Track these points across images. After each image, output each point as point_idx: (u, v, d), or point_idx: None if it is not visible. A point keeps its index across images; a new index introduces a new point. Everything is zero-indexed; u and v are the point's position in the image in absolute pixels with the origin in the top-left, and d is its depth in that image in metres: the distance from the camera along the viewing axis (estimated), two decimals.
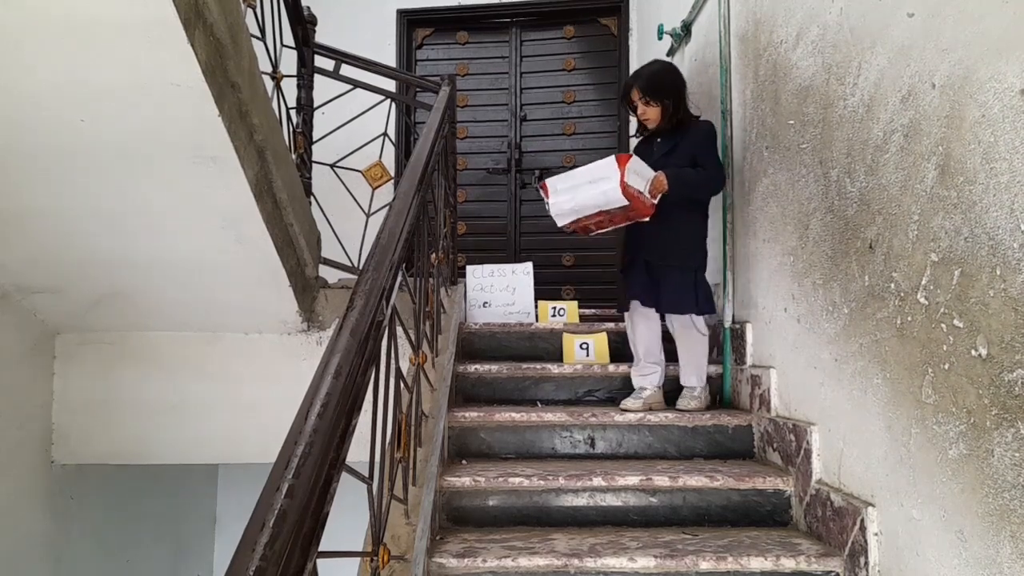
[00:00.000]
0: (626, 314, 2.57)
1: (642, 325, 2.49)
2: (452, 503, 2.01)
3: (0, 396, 2.61)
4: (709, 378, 2.50)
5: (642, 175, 2.27)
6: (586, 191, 2.28)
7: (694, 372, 2.45)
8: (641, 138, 2.62)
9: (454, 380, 2.51)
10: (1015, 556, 1.14)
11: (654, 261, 2.45)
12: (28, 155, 1.91)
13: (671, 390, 2.50)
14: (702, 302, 2.41)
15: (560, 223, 2.39)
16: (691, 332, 2.43)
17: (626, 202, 2.22)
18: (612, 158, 2.24)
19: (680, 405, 2.41)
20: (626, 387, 2.63)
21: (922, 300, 1.40)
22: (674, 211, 2.37)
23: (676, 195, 2.34)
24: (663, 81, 2.46)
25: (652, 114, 2.47)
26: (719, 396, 2.57)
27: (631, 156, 2.27)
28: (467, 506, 2.02)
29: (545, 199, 2.40)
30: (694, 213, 2.46)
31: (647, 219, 2.34)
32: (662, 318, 2.51)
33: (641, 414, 2.31)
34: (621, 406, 2.39)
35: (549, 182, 2.39)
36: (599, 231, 2.46)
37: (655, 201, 2.32)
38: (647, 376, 2.46)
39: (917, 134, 1.41)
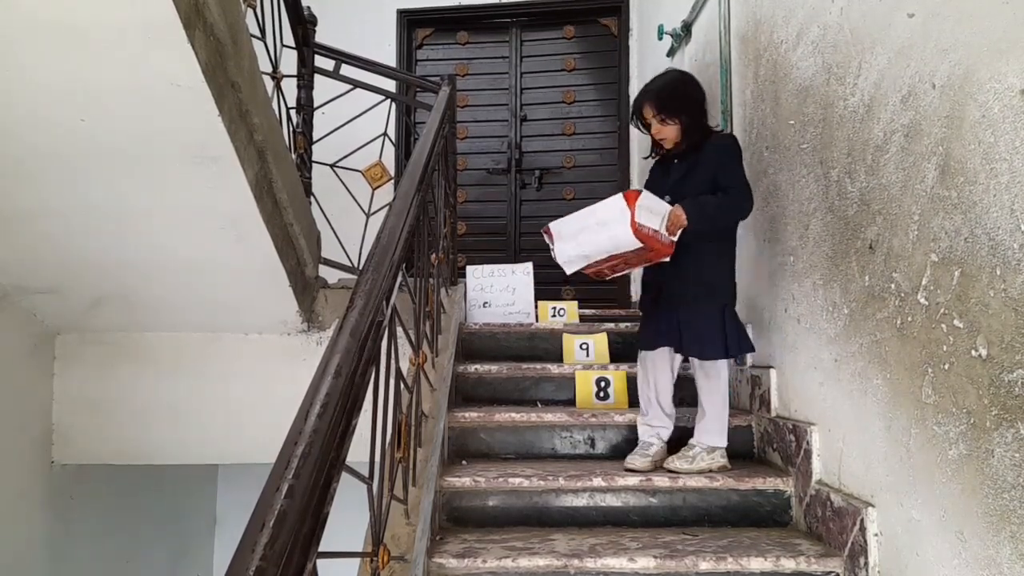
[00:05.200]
0: (640, 356, 2.22)
1: (661, 370, 2.17)
2: (452, 503, 2.01)
3: (0, 396, 2.61)
4: None
5: (656, 211, 1.99)
6: (594, 235, 2.02)
7: (716, 428, 2.10)
8: (656, 159, 2.28)
9: (454, 380, 2.51)
10: (1015, 557, 1.14)
11: (676, 296, 2.13)
12: (27, 156, 1.91)
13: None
14: (732, 344, 2.07)
15: (568, 270, 2.13)
16: (714, 382, 2.10)
17: (640, 245, 1.97)
18: (620, 197, 1.98)
19: (680, 465, 2.05)
20: (627, 388, 2.63)
21: (922, 300, 1.40)
22: (696, 239, 2.07)
23: (698, 228, 2.02)
24: (679, 93, 2.14)
25: (669, 133, 2.14)
26: None
27: (640, 192, 2.00)
28: (467, 506, 2.02)
29: (550, 244, 2.16)
30: (722, 241, 2.15)
31: (667, 259, 2.07)
32: (685, 359, 2.20)
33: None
34: (626, 464, 2.09)
35: (552, 226, 2.15)
36: (615, 275, 2.20)
37: (674, 239, 2.02)
38: (657, 429, 2.15)
39: (917, 134, 1.41)
